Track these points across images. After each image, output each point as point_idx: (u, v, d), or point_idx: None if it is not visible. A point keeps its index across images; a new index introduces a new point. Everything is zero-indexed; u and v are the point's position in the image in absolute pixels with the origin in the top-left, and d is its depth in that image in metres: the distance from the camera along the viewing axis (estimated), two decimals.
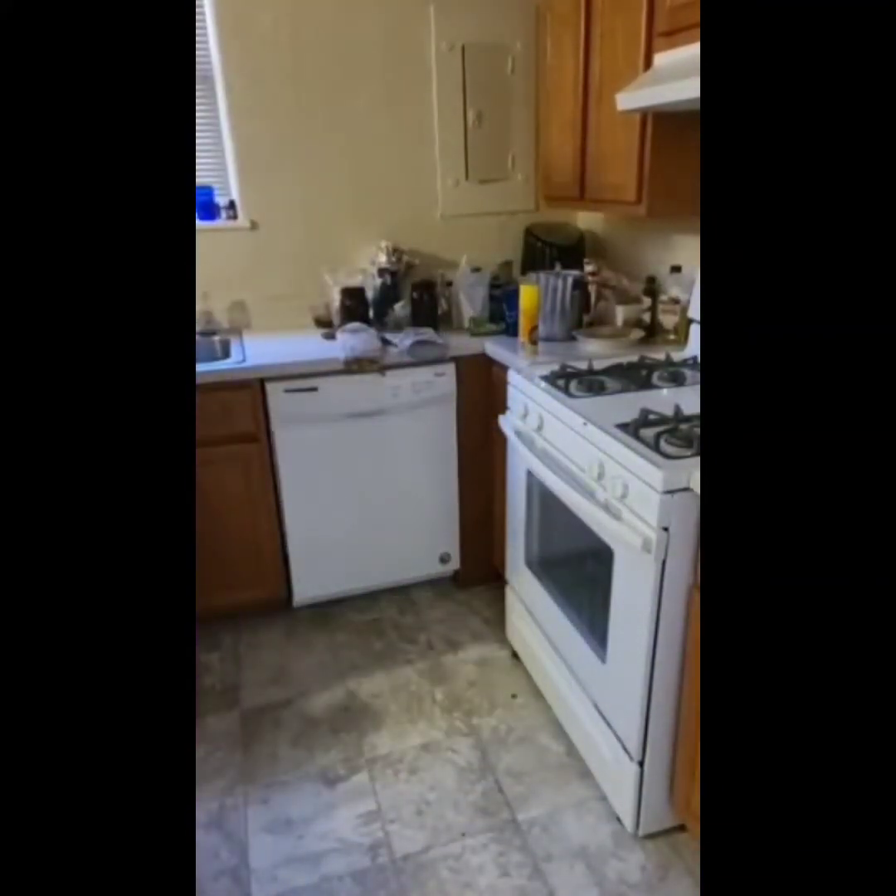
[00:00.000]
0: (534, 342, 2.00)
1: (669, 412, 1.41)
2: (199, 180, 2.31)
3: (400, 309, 2.28)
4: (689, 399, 1.51)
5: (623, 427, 1.37)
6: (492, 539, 2.29)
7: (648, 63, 1.66)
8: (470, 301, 2.29)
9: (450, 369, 2.12)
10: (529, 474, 1.76)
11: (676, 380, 1.69)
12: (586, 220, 2.57)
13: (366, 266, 2.36)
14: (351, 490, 2.15)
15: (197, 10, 2.13)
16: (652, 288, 2.12)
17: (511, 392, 1.82)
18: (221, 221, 2.30)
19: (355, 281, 2.29)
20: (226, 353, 2.19)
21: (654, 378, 1.69)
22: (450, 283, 2.36)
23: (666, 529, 1.22)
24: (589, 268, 2.27)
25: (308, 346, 2.14)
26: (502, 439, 1.88)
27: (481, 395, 2.16)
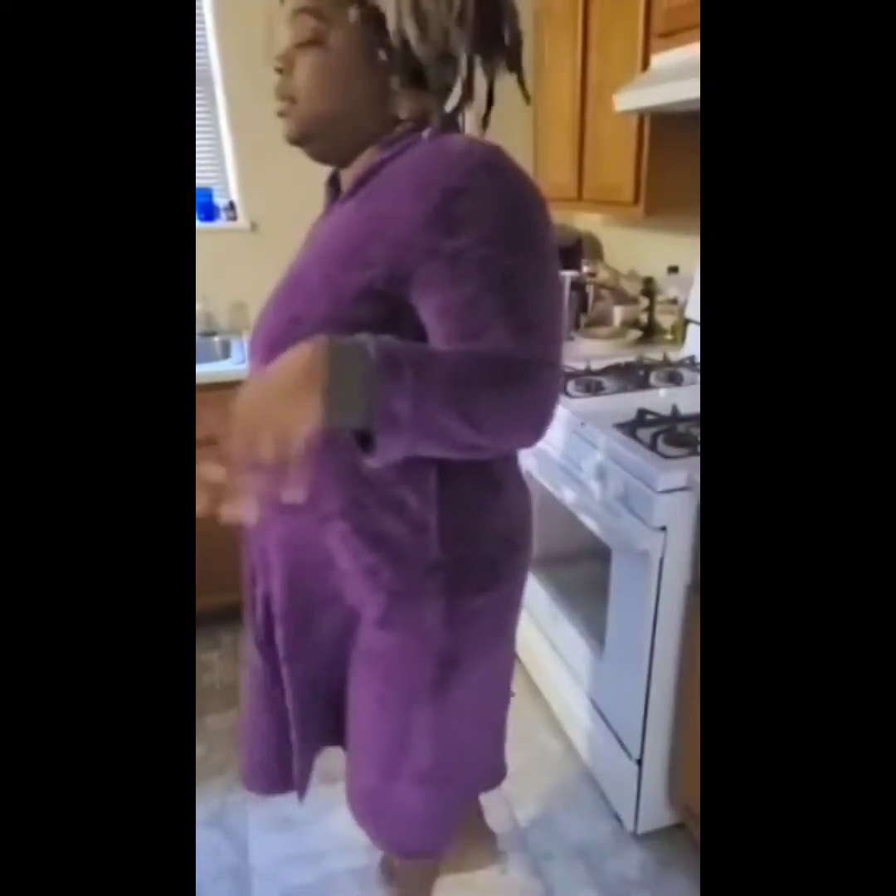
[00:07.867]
0: None
1: (667, 412, 1.42)
2: (198, 182, 2.31)
3: None
4: (686, 399, 1.51)
5: (621, 427, 1.38)
6: None
7: (646, 64, 1.66)
8: None
9: None
10: (527, 474, 1.76)
11: (674, 380, 1.70)
12: (584, 220, 2.57)
13: None
14: None
15: (197, 10, 2.13)
16: (649, 288, 2.13)
17: None
18: (221, 222, 2.30)
19: None
20: (226, 354, 2.19)
21: (652, 378, 1.70)
22: None
23: (663, 529, 1.23)
24: (586, 268, 2.28)
25: None
26: None
27: None
